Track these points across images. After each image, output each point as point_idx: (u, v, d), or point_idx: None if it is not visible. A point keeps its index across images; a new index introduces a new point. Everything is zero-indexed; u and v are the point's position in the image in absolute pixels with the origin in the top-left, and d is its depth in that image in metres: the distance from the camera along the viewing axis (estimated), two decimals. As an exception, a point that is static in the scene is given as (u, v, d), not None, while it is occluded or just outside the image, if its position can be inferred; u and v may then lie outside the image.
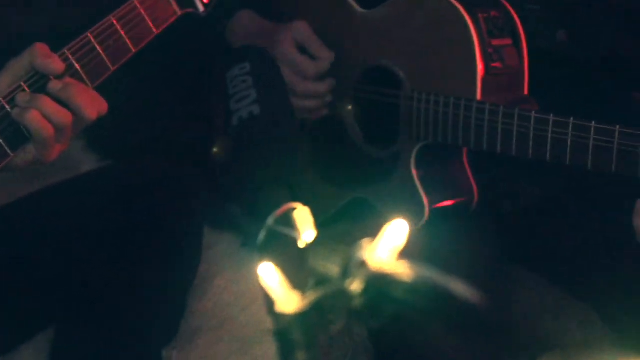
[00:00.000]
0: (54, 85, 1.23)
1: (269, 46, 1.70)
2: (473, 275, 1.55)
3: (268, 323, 1.64)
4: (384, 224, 0.84)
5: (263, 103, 1.60)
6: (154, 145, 1.90)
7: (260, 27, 1.78)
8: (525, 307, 1.71)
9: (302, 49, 1.72)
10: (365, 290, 0.81)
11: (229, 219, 1.98)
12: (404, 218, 1.60)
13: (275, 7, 1.84)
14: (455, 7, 1.50)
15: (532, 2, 1.60)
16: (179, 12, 1.44)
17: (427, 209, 1.60)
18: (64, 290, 1.55)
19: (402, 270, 0.80)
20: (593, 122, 1.32)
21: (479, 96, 1.49)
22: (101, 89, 1.34)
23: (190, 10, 1.47)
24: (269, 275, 0.84)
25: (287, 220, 0.96)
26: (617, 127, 1.30)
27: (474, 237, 1.68)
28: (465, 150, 1.60)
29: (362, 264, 0.82)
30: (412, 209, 1.61)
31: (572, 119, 1.35)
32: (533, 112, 1.40)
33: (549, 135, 1.38)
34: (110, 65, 1.32)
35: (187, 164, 1.78)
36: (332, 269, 0.85)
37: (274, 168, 1.50)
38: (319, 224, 1.77)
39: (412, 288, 0.79)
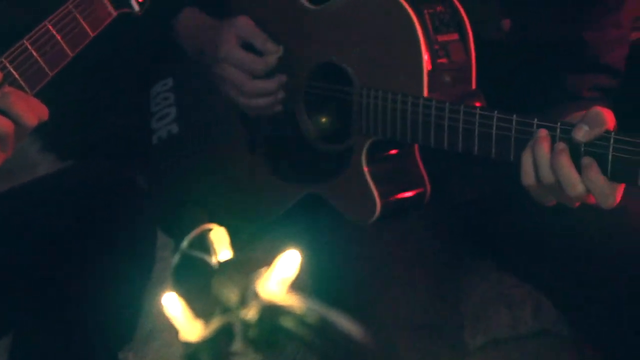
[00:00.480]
0: None
1: (213, 46, 1.70)
2: (426, 267, 1.59)
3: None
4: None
5: (182, 121, 1.61)
6: (107, 145, 1.90)
7: (204, 25, 1.77)
8: (479, 297, 1.73)
9: (248, 46, 1.70)
10: (259, 321, 0.82)
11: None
12: (357, 213, 1.62)
13: (220, 4, 1.83)
14: (400, 4, 1.50)
15: None
16: (114, 13, 1.45)
17: (379, 204, 1.61)
18: (19, 292, 1.55)
19: (292, 302, 0.81)
20: (535, 119, 1.33)
21: (425, 92, 1.49)
22: (44, 93, 1.34)
23: (126, 10, 1.48)
24: (172, 305, 0.85)
25: (203, 242, 0.96)
26: (559, 123, 1.31)
27: (426, 228, 1.70)
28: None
29: (256, 295, 0.84)
30: (364, 204, 1.62)
31: (515, 115, 1.36)
32: (478, 109, 1.41)
33: (493, 132, 1.38)
34: (48, 71, 1.33)
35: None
36: (232, 297, 0.86)
37: (190, 189, 1.50)
38: (273, 222, 1.79)
39: (301, 320, 0.80)
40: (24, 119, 1.25)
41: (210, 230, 0.99)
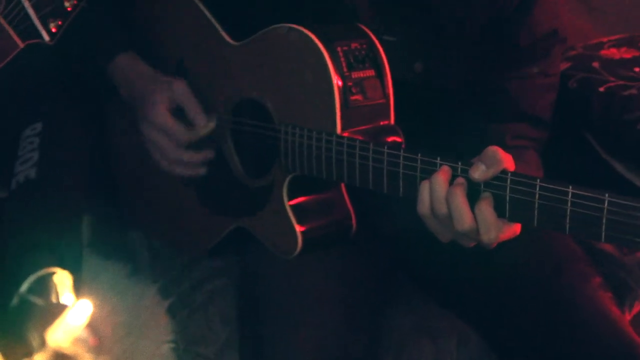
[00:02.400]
0: None
1: (144, 103, 1.69)
2: (346, 298, 1.60)
3: (142, 355, 1.66)
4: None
5: (42, 167, 1.60)
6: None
7: (141, 74, 1.74)
8: (403, 329, 1.74)
9: (179, 111, 1.69)
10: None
11: (127, 248, 2.00)
12: (280, 247, 1.63)
13: (150, 39, 1.84)
14: (312, 40, 1.50)
15: (388, 34, 1.60)
16: (22, 45, 1.42)
17: (300, 239, 1.61)
18: None
19: (80, 351, 0.82)
20: (438, 158, 1.34)
21: (339, 129, 1.50)
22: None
23: (35, 40, 1.44)
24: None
25: (44, 285, 0.98)
26: (459, 162, 1.32)
27: (351, 259, 1.70)
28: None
29: (43, 343, 0.85)
30: (286, 239, 1.63)
31: (419, 154, 1.37)
32: (385, 147, 1.41)
33: (400, 170, 1.40)
34: None
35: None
36: (32, 343, 0.87)
37: (36, 234, 1.50)
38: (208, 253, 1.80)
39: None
40: None
41: (53, 273, 1.01)
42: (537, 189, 1.22)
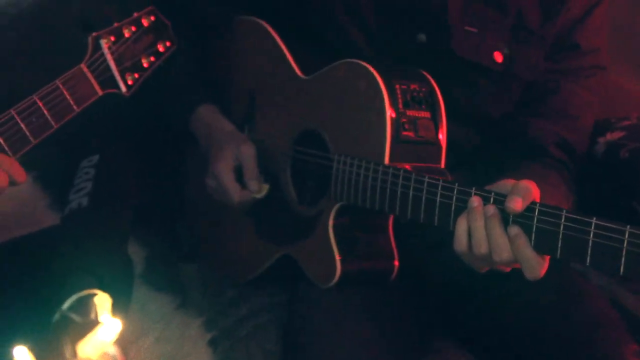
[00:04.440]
0: None
1: (215, 153, 1.81)
2: (388, 344, 1.61)
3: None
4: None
5: (94, 196, 1.72)
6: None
7: (217, 127, 1.87)
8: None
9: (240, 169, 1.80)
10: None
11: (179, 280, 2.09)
12: (317, 275, 1.67)
13: (226, 69, 1.95)
14: (373, 75, 1.58)
15: (470, 25, 1.71)
16: (100, 93, 1.56)
17: (338, 270, 1.65)
18: None
19: None
20: (473, 188, 1.38)
21: (386, 160, 1.55)
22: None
23: (113, 90, 1.59)
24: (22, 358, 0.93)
25: (85, 305, 1.06)
26: (492, 193, 1.36)
27: (392, 304, 1.72)
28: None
29: (75, 355, 0.92)
30: (325, 267, 1.67)
31: (456, 184, 1.41)
32: (426, 177, 1.46)
33: (437, 199, 1.43)
34: (32, 139, 1.44)
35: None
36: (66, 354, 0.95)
37: (83, 257, 1.61)
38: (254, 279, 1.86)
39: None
40: None
41: (94, 295, 1.10)
42: (563, 219, 1.25)
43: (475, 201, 1.36)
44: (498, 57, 1.70)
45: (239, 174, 1.80)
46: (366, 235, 1.70)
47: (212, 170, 1.81)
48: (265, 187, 1.79)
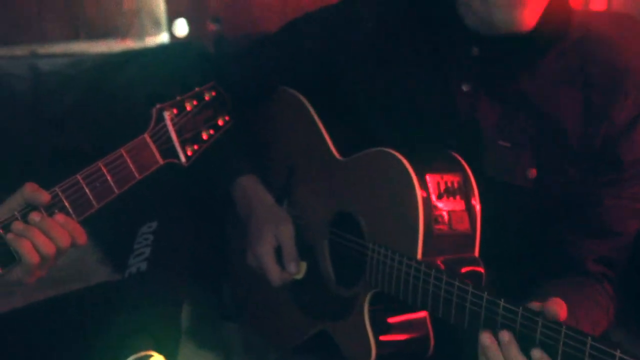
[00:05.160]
0: (34, 217, 1.42)
1: (255, 230, 1.86)
2: None
3: None
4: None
5: (152, 262, 1.77)
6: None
7: (257, 199, 1.90)
8: None
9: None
10: None
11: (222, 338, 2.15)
12: (353, 357, 1.70)
13: (267, 148, 1.99)
14: (405, 167, 1.60)
15: (504, 139, 1.68)
16: (161, 162, 1.60)
17: (373, 354, 1.68)
18: None
19: None
20: (502, 300, 1.39)
21: (419, 255, 1.57)
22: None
23: (173, 160, 1.64)
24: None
25: None
26: (520, 308, 1.37)
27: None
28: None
29: None
30: (361, 349, 1.70)
31: (485, 293, 1.43)
32: (457, 280, 1.48)
33: (467, 305, 1.45)
34: (95, 204, 1.49)
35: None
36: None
37: (141, 320, 1.66)
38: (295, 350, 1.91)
39: None
40: (61, 242, 1.43)
41: (150, 356, 1.15)
42: (588, 347, 1.26)
43: (487, 339, 1.37)
44: (531, 173, 1.66)
45: (278, 253, 1.83)
46: (402, 319, 1.73)
47: (253, 251, 1.86)
48: (304, 266, 1.84)
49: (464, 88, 1.70)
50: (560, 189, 1.68)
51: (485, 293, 1.43)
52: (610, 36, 1.69)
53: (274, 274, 1.82)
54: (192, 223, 1.98)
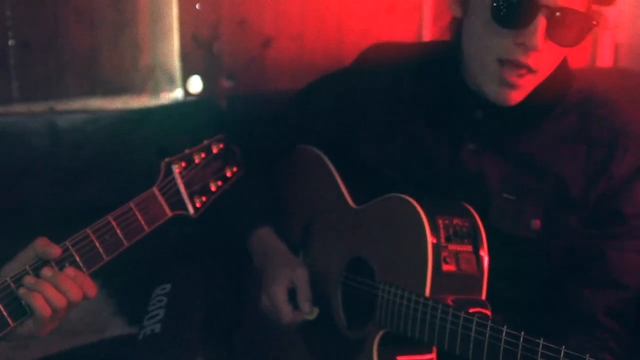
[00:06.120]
0: (45, 272, 1.46)
1: (270, 274, 1.91)
2: None
3: None
4: None
5: (166, 323, 1.82)
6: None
7: (273, 249, 1.96)
8: None
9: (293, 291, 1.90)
10: None
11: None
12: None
13: (284, 198, 2.05)
14: (417, 210, 1.65)
15: (508, 192, 1.73)
16: (170, 214, 1.64)
17: None
18: None
19: None
20: (505, 327, 1.43)
21: (427, 292, 1.61)
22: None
23: (181, 212, 1.67)
24: None
25: None
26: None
27: None
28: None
29: None
30: (369, 392, 1.73)
31: (489, 322, 1.47)
32: (463, 313, 1.51)
33: (472, 335, 1.49)
34: (104, 257, 1.53)
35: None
36: None
37: None
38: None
39: None
40: (72, 295, 1.46)
41: None
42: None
43: None
44: (535, 224, 1.71)
45: (292, 296, 1.87)
46: (410, 359, 1.74)
47: (266, 290, 1.90)
48: (316, 310, 1.88)
49: (470, 147, 1.77)
50: (564, 240, 1.73)
51: (489, 322, 1.48)
52: (611, 94, 1.76)
53: (286, 312, 1.87)
54: (204, 283, 2.03)
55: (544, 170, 1.72)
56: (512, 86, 1.63)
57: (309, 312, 1.87)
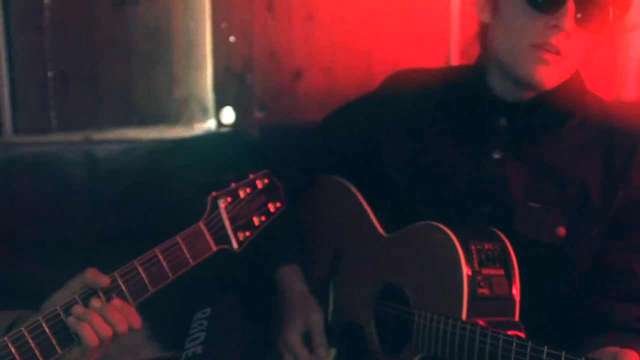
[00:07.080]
0: (94, 303, 1.51)
1: (287, 316, 1.96)
2: None
3: None
4: None
5: (207, 345, 1.86)
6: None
7: (295, 291, 2.00)
8: None
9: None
10: None
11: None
12: None
13: (315, 236, 2.10)
14: (450, 238, 1.71)
15: (533, 201, 1.79)
16: (215, 249, 1.68)
17: None
18: None
19: None
20: (545, 347, 1.47)
21: (464, 316, 1.66)
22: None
23: (225, 247, 1.71)
24: None
25: None
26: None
27: None
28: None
29: None
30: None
31: (529, 343, 1.51)
32: (501, 335, 1.56)
33: (513, 356, 1.53)
34: (150, 288, 1.58)
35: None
36: None
37: None
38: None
39: None
40: (118, 327, 1.51)
41: None
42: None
43: None
44: (560, 231, 1.77)
45: (307, 338, 1.93)
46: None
47: (282, 335, 1.95)
48: (333, 353, 1.93)
49: (495, 156, 1.83)
50: (589, 249, 1.79)
51: (529, 343, 1.52)
52: (630, 105, 1.83)
53: (303, 358, 1.92)
54: (242, 307, 2.07)
55: (566, 179, 1.79)
56: (546, 62, 1.71)
57: (325, 356, 1.92)
